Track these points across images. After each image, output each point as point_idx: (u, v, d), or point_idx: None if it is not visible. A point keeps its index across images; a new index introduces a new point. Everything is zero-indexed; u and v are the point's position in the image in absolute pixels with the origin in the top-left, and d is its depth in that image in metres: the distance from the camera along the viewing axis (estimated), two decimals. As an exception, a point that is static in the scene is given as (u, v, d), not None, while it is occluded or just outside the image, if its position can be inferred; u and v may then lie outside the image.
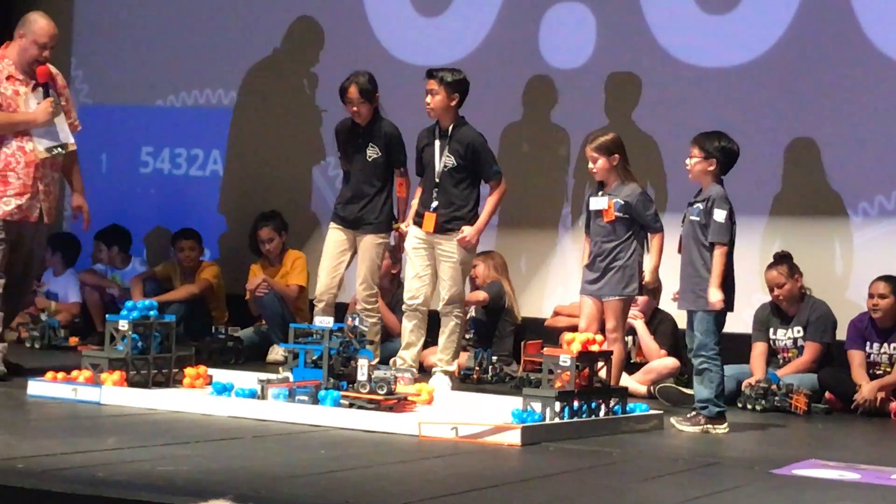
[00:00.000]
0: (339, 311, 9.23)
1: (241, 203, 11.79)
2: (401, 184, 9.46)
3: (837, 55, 10.09)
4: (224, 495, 4.98)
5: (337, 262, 9.48)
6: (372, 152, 9.43)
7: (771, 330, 9.51)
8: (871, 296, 9.29)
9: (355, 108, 9.38)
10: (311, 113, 11.54)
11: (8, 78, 8.43)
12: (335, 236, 9.51)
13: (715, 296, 7.72)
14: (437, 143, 9.10)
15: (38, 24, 8.43)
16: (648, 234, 8.31)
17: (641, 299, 9.56)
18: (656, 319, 9.67)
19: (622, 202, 8.24)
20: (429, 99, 9.00)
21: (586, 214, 8.49)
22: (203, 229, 11.48)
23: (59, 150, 8.44)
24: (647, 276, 8.29)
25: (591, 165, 8.31)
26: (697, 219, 7.84)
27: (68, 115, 8.61)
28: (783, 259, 9.49)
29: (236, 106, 11.82)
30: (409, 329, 9.14)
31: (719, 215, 7.78)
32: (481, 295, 10.29)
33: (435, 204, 9.07)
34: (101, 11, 12.21)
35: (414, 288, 9.13)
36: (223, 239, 11.92)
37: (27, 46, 8.42)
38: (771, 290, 9.48)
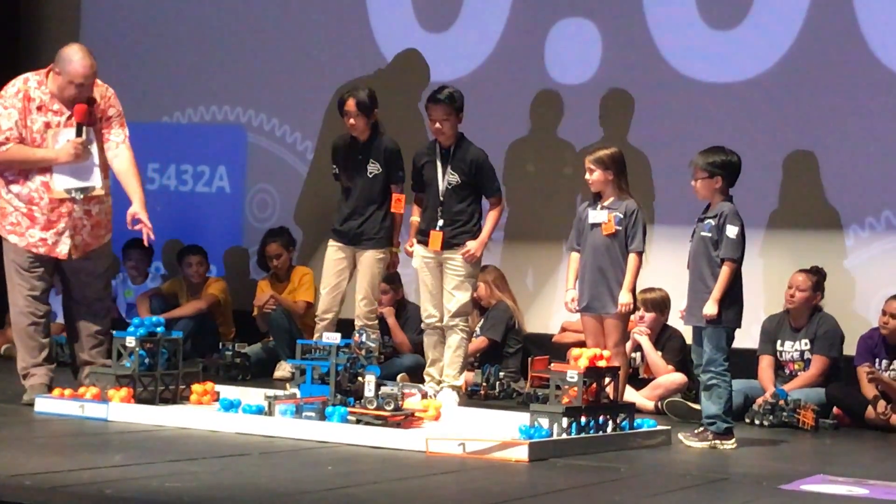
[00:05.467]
0: (342, 327, 9.27)
1: (248, 219, 11.82)
2: (398, 200, 9.52)
3: (843, 71, 10.07)
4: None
5: (338, 280, 9.55)
6: (373, 168, 9.50)
7: (778, 342, 9.49)
8: (883, 313, 9.27)
9: (352, 121, 9.45)
10: (317, 128, 11.55)
11: (39, 108, 8.09)
12: (334, 254, 9.58)
13: (711, 309, 7.72)
14: (439, 160, 9.15)
15: (72, 64, 7.95)
16: (630, 254, 8.26)
17: (649, 316, 9.57)
18: (664, 336, 9.65)
19: (620, 215, 8.25)
20: (439, 125, 9.07)
21: (576, 231, 8.47)
22: (209, 245, 11.50)
23: (78, 193, 8.07)
24: (623, 298, 8.21)
25: (587, 176, 8.33)
26: (709, 234, 7.83)
27: (107, 130, 8.21)
28: (818, 273, 9.48)
29: (247, 122, 11.83)
30: (431, 346, 9.25)
31: (731, 231, 7.78)
32: (483, 342, 10.27)
33: (440, 222, 9.12)
34: (107, 28, 12.22)
35: (430, 307, 9.19)
36: (229, 255, 11.93)
37: (64, 86, 8.01)
38: (789, 289, 9.45)
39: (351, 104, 9.43)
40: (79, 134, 8.07)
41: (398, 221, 9.57)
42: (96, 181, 8.13)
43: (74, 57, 8.00)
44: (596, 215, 8.31)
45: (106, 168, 8.22)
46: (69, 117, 8.09)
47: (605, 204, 8.31)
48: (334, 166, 9.73)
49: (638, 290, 9.30)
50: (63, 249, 8.11)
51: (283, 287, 11.03)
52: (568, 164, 10.69)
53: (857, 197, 10.03)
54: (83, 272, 8.26)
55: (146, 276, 11.59)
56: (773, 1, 10.26)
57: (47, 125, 8.08)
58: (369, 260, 9.47)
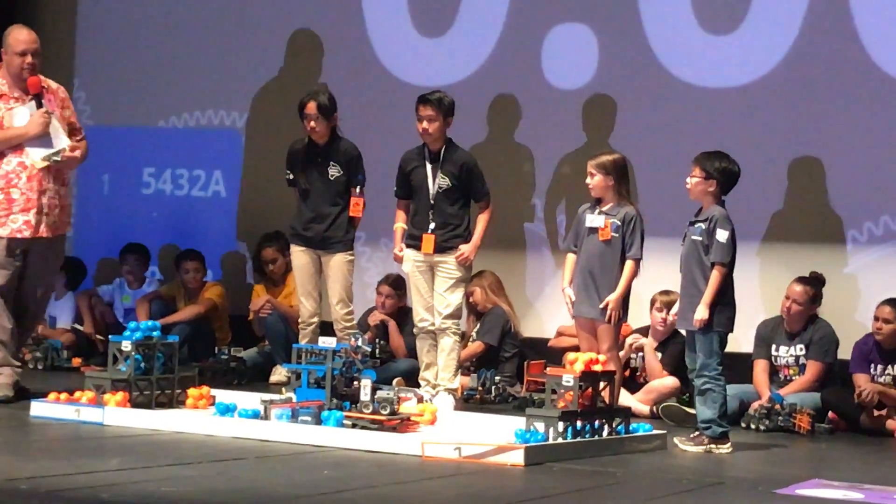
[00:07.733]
0: (324, 330, 9.29)
1: (244, 223, 11.83)
2: (357, 203, 9.57)
3: (840, 75, 10.09)
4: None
5: (313, 285, 9.67)
6: (334, 171, 9.60)
7: (773, 346, 9.49)
8: (875, 318, 9.27)
9: (312, 124, 9.54)
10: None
11: (1, 97, 8.42)
12: (303, 259, 9.68)
13: (702, 313, 7.71)
14: (429, 165, 9.17)
15: (12, 35, 8.45)
16: (627, 261, 8.24)
17: (671, 321, 9.56)
18: (671, 340, 9.62)
19: (618, 222, 8.24)
20: (426, 125, 9.08)
21: (574, 232, 8.47)
22: (205, 250, 11.50)
23: (56, 156, 8.36)
24: (611, 304, 8.15)
25: (587, 180, 8.33)
26: (699, 238, 7.83)
27: (71, 130, 8.54)
28: (815, 282, 9.46)
29: (241, 127, 11.83)
30: (425, 350, 9.25)
31: (721, 235, 7.77)
32: (479, 347, 10.30)
33: (432, 225, 9.15)
34: (103, 33, 12.23)
35: (423, 311, 9.20)
36: (224, 259, 11.93)
37: (9, 60, 8.43)
38: (786, 300, 9.44)
39: (312, 107, 9.52)
40: (39, 105, 8.38)
41: (356, 225, 9.66)
42: (65, 141, 8.43)
43: (14, 30, 8.50)
44: (593, 220, 8.30)
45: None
46: (30, 98, 8.39)
47: (604, 209, 8.29)
48: (289, 172, 9.79)
49: (655, 292, 9.32)
50: (42, 229, 8.35)
51: (279, 291, 11.04)
52: (565, 169, 10.70)
53: (855, 202, 10.04)
54: (44, 259, 8.46)
55: (143, 280, 11.59)
56: (770, 5, 10.27)
57: (9, 110, 8.39)
58: (340, 263, 9.56)
